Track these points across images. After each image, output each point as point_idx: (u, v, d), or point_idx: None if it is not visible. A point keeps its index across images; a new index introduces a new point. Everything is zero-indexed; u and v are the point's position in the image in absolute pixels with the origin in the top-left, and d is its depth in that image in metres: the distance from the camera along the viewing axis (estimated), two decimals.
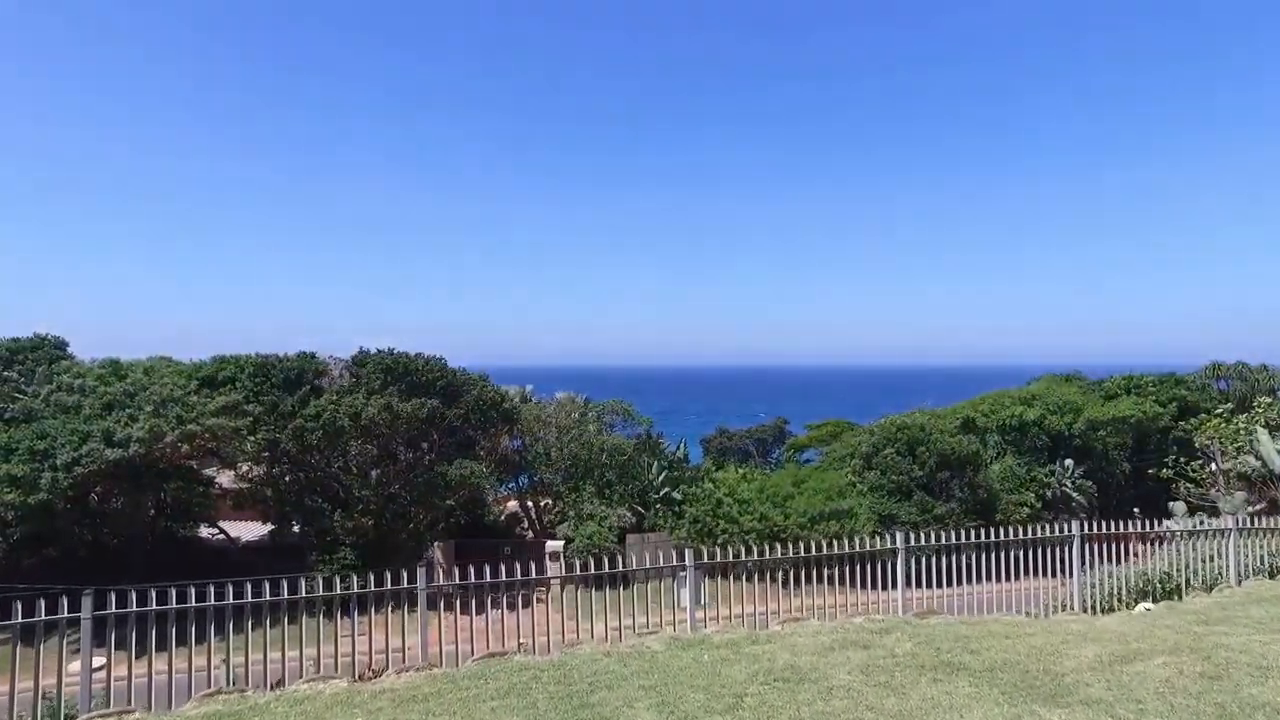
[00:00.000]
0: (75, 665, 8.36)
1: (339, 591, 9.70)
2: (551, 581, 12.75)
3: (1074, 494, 37.81)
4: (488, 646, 9.68)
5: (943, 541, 11.82)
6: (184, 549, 31.70)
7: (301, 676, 8.91)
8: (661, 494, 37.13)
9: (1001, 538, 12.02)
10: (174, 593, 8.60)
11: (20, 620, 8.09)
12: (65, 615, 8.33)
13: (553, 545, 33.28)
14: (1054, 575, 12.31)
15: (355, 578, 9.86)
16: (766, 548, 11.57)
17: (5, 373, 30.00)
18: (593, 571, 10.49)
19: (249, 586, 8.79)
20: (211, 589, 8.85)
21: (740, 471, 38.90)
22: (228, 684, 9.31)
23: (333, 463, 31.75)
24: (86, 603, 8.29)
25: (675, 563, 10.95)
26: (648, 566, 10.82)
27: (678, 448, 42.87)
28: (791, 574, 11.64)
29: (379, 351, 34.61)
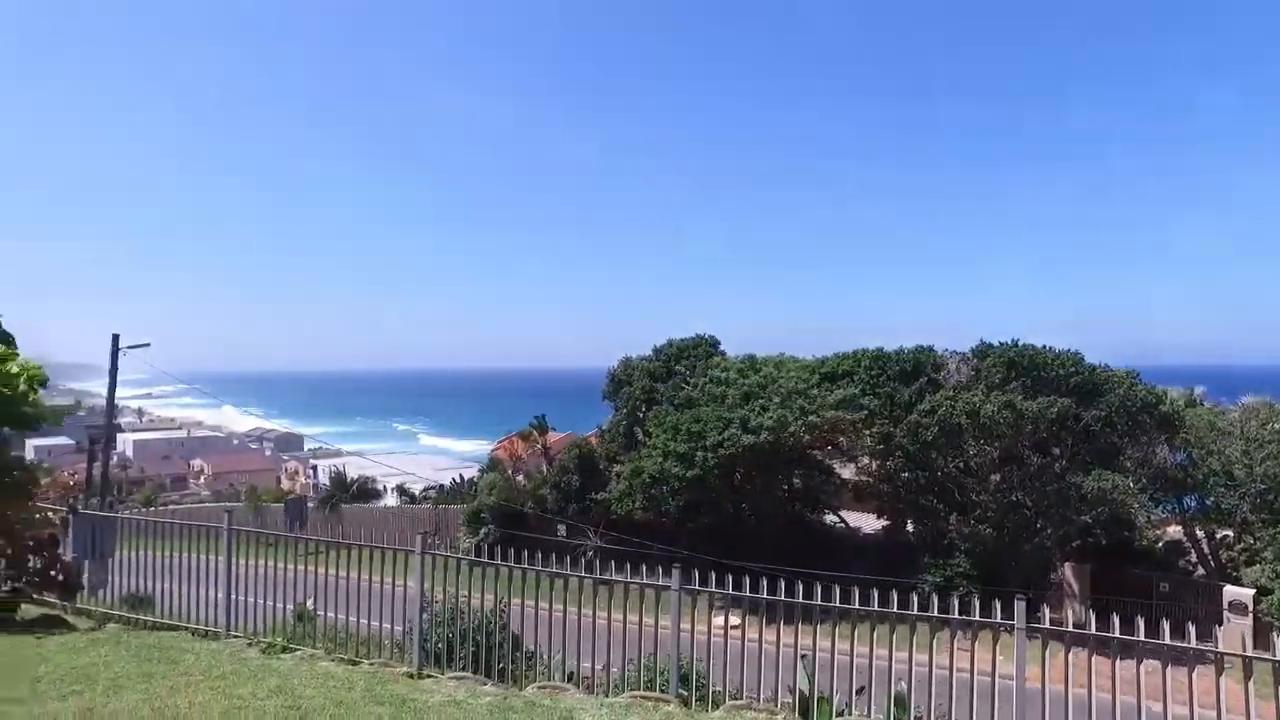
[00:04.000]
0: (718, 620, 9.24)
1: (914, 612, 8.19)
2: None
3: None
4: (1113, 711, 6.89)
5: None
6: (809, 531, 33.78)
7: (870, 673, 8.09)
8: None
9: None
10: (756, 582, 8.80)
11: (628, 579, 9.41)
12: (658, 584, 9.33)
13: (1235, 593, 25.71)
14: None
15: (956, 600, 8.50)
16: None
17: (676, 367, 36.33)
18: None
19: (836, 591, 8.37)
20: (788, 585, 8.60)
21: None
22: (794, 666, 8.74)
23: (949, 462, 30.04)
24: (676, 575, 9.14)
25: None
26: None
27: None
28: None
29: (1002, 344, 31.79)
